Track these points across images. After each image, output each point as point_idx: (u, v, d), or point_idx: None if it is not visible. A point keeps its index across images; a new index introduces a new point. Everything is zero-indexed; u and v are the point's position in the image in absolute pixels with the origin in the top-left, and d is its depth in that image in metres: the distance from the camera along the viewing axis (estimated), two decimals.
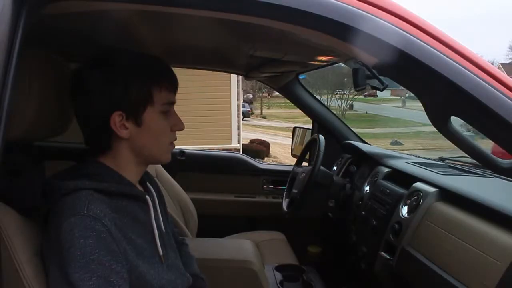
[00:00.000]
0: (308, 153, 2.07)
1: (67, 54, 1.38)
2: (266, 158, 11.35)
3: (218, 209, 2.34)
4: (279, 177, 2.39)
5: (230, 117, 9.25)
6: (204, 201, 2.24)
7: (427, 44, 0.76)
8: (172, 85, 0.91)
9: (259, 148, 11.28)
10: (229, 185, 2.40)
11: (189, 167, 2.35)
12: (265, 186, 2.41)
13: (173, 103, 0.92)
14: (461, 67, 0.77)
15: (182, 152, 2.36)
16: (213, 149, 4.78)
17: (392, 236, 1.24)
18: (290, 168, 2.04)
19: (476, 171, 1.38)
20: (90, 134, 0.89)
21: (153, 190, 0.99)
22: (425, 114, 0.90)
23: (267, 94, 37.01)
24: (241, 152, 6.98)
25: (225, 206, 2.36)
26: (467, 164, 1.52)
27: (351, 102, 32.01)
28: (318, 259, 2.20)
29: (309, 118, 2.37)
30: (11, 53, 0.63)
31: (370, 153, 1.82)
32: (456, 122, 0.89)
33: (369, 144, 2.23)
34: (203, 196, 2.29)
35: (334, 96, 30.85)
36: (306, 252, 2.23)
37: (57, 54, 0.91)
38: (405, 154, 1.95)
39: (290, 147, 2.62)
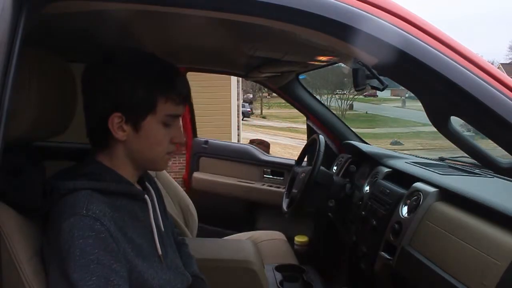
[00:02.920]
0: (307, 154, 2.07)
1: (67, 54, 1.38)
2: None
3: (221, 191, 2.58)
4: (278, 168, 2.56)
5: (230, 117, 9.22)
6: (209, 182, 2.59)
7: (427, 44, 0.76)
8: (180, 98, 0.88)
9: (259, 148, 11.26)
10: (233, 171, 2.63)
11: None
12: (265, 176, 2.58)
13: (178, 116, 0.89)
14: (461, 67, 0.77)
15: (206, 142, 2.72)
16: None
17: (392, 236, 1.23)
18: (289, 162, 2.04)
19: (476, 171, 1.38)
20: (90, 130, 0.89)
21: (152, 190, 0.99)
22: (425, 114, 0.90)
23: (267, 94, 36.97)
24: None
25: (228, 188, 2.58)
26: (467, 164, 1.52)
27: (351, 102, 32.01)
28: (305, 249, 2.17)
29: None
30: (11, 53, 0.63)
31: (370, 153, 1.82)
32: (456, 122, 0.88)
33: (369, 144, 2.23)
34: (211, 178, 2.62)
35: (334, 96, 30.84)
36: (293, 242, 2.22)
37: (57, 54, 0.91)
38: (405, 154, 1.95)
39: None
